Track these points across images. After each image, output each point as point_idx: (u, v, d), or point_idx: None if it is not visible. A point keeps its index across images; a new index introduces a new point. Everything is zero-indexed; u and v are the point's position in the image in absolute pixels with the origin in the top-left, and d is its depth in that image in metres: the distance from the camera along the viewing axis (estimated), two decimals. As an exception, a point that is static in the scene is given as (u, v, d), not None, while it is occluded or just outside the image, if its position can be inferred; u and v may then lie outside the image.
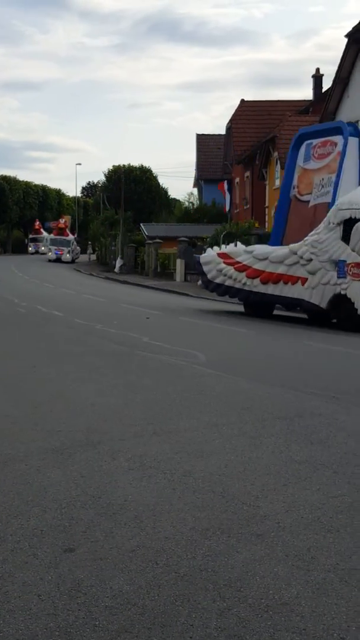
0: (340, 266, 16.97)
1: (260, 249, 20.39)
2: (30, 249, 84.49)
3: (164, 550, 4.12)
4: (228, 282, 20.86)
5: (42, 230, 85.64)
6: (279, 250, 19.17)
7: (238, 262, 20.44)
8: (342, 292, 16.91)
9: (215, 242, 35.34)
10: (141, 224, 54.75)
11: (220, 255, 21.55)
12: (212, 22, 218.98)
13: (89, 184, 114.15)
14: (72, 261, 67.04)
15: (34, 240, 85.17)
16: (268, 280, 19.18)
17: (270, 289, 19.17)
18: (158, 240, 45.79)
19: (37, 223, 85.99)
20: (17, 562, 3.97)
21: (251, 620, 3.37)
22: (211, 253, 22.24)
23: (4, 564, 3.95)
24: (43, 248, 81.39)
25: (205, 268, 22.04)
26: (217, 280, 21.41)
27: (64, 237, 70.44)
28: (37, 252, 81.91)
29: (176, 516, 4.65)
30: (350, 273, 16.70)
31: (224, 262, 21.07)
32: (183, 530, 4.42)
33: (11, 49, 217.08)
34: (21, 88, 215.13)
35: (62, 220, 74.19)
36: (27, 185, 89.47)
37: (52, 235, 71.68)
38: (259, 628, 3.30)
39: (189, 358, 11.31)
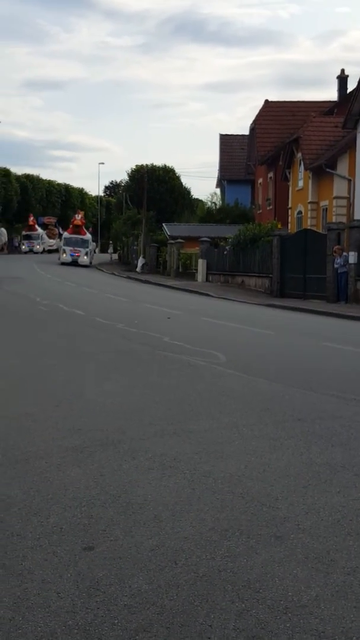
0: None
1: None
2: (23, 247, 76.11)
3: (183, 550, 4.12)
4: None
5: (36, 226, 78.29)
6: None
7: None
8: None
9: (237, 243, 35.33)
10: (163, 224, 54.82)
11: None
12: (237, 22, 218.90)
13: (111, 183, 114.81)
14: (90, 264, 58.23)
15: (28, 237, 76.51)
16: None
17: None
18: (180, 240, 45.82)
19: (32, 219, 77.33)
20: (36, 559, 3.99)
21: (270, 621, 3.36)
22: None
23: (24, 560, 3.97)
24: (37, 247, 75.29)
25: None
26: None
27: (80, 236, 59.21)
28: (30, 251, 74.11)
29: (196, 516, 4.65)
30: None
31: None
32: (202, 530, 4.42)
33: (36, 47, 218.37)
34: (45, 87, 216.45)
35: (77, 216, 62.26)
36: (50, 184, 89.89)
37: (66, 234, 60.78)
38: (277, 630, 3.29)
39: (210, 358, 11.31)
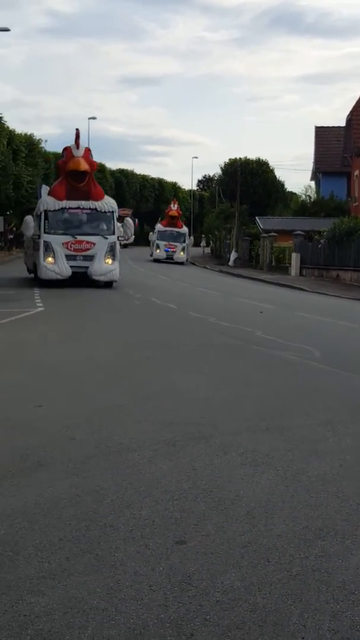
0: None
1: None
2: None
3: (276, 548, 4.07)
4: None
5: None
6: None
7: None
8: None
9: (332, 236, 34.80)
10: (256, 217, 54.36)
11: None
12: (335, 13, 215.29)
13: (204, 177, 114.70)
14: (186, 261, 51.95)
15: None
16: None
17: None
18: (273, 233, 45.44)
19: None
20: (129, 551, 4.02)
21: (365, 625, 3.27)
22: None
23: (117, 552, 4.00)
24: None
25: None
26: None
27: (176, 229, 52.43)
28: None
29: (289, 514, 4.58)
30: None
31: None
32: (296, 528, 4.35)
33: (132, 44, 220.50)
34: (140, 83, 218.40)
35: (173, 206, 53.89)
36: (144, 179, 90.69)
37: (160, 226, 53.31)
38: (373, 634, 3.20)
39: (303, 353, 11.16)
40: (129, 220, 27.81)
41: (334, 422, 6.93)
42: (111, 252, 24.33)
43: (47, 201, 24.58)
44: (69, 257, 23.84)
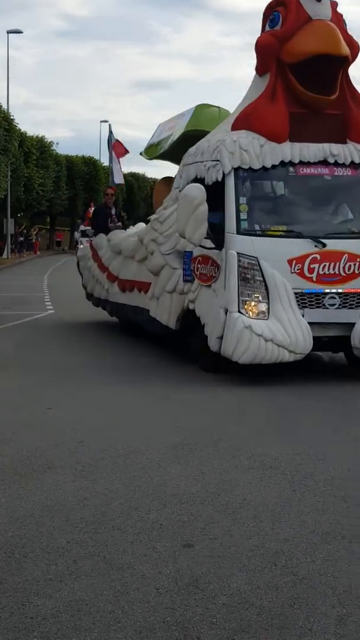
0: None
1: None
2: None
3: (283, 552, 4.07)
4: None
5: None
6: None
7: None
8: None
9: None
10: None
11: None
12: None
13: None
14: None
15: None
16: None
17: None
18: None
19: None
20: (136, 554, 4.03)
21: (371, 629, 3.28)
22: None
23: (124, 554, 4.02)
24: None
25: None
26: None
27: None
28: None
29: (296, 518, 4.59)
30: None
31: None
32: (303, 532, 4.36)
33: (146, 47, 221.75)
34: (154, 87, 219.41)
35: None
36: (155, 183, 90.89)
37: None
38: (379, 638, 3.21)
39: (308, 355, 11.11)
40: None
41: (341, 427, 6.93)
42: None
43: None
44: None
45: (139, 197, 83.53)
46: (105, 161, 74.79)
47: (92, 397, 8.04)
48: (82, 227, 53.66)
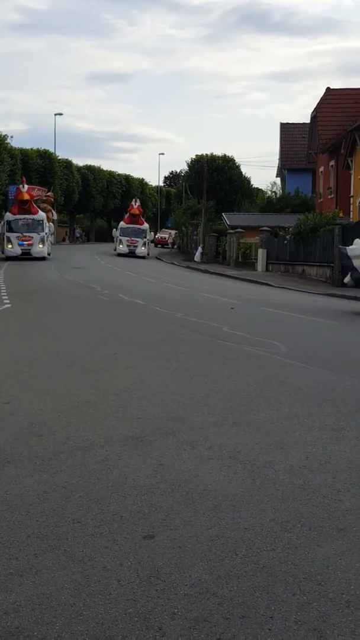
0: None
1: None
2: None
3: (243, 541, 4.09)
4: None
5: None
6: None
7: None
8: None
9: (297, 232, 34.99)
10: (223, 214, 54.60)
11: None
12: (301, 12, 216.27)
13: (171, 173, 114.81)
14: (148, 255, 55.78)
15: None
16: None
17: None
18: (240, 229, 45.62)
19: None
20: (97, 546, 4.02)
21: (332, 614, 3.32)
22: None
23: (85, 547, 4.00)
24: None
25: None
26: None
27: (138, 226, 56.43)
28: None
29: (256, 507, 4.61)
30: None
31: None
32: (263, 521, 4.38)
33: (100, 41, 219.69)
34: (108, 80, 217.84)
35: (134, 204, 58.24)
36: (111, 175, 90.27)
37: (122, 224, 57.13)
38: (339, 623, 3.25)
39: (270, 348, 11.22)
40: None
41: (300, 416, 6.99)
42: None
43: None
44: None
45: (95, 190, 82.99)
46: (60, 154, 74.52)
47: (50, 391, 7.98)
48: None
